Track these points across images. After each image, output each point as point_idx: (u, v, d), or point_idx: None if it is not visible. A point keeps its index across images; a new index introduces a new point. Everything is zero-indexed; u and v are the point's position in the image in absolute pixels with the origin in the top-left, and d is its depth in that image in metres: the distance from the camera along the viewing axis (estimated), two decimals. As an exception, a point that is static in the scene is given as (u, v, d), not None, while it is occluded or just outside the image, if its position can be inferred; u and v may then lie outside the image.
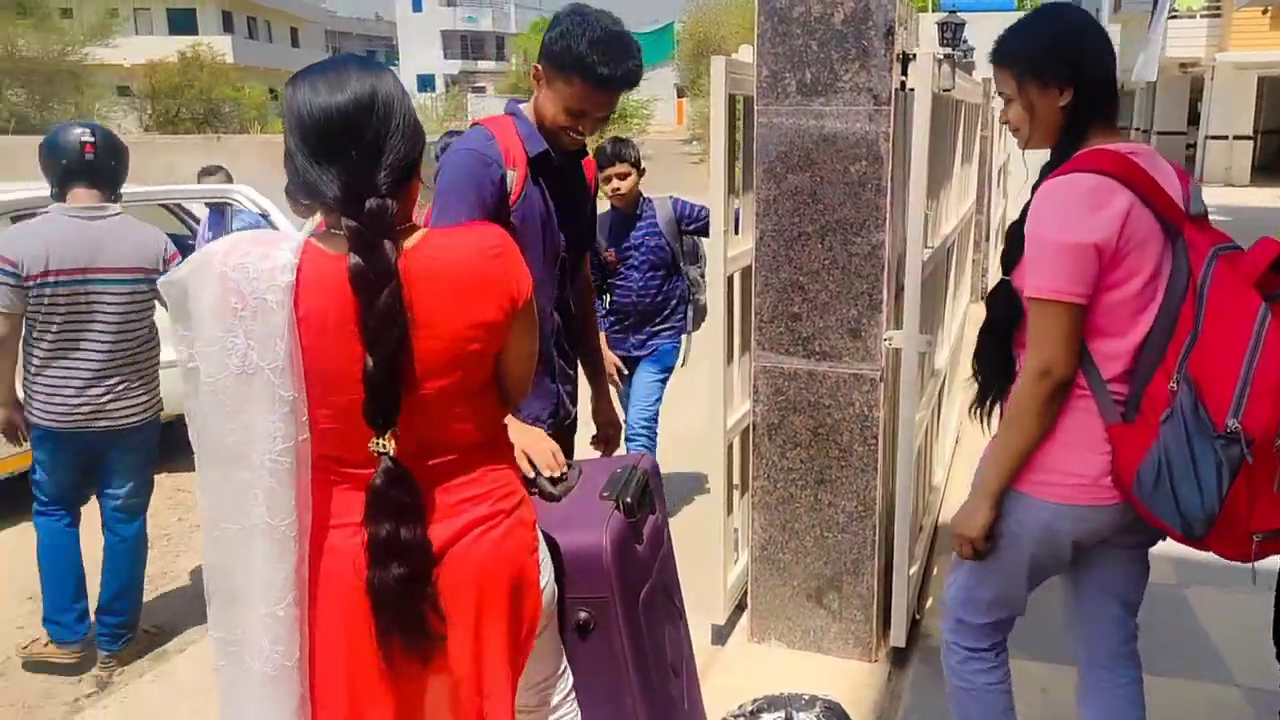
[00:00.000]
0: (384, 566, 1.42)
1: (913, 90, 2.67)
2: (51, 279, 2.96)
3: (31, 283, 2.94)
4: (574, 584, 1.75)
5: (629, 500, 1.89)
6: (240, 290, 1.39)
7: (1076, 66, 1.78)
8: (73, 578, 3.22)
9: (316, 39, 48.50)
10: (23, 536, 4.33)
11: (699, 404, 2.90)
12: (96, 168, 3.09)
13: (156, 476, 5.17)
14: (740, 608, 3.05)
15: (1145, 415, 1.67)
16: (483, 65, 57.90)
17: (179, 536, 4.40)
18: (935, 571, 3.35)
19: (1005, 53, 1.85)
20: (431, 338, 1.44)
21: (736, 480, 3.11)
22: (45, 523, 3.23)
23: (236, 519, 1.43)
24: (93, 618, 3.24)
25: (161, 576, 3.98)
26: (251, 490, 1.40)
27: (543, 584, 1.63)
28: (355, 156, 1.41)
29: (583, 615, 1.74)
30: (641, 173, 3.88)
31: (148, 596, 3.74)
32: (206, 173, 6.58)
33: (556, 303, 2.34)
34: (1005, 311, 1.85)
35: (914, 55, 2.69)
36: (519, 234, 2.15)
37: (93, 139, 3.08)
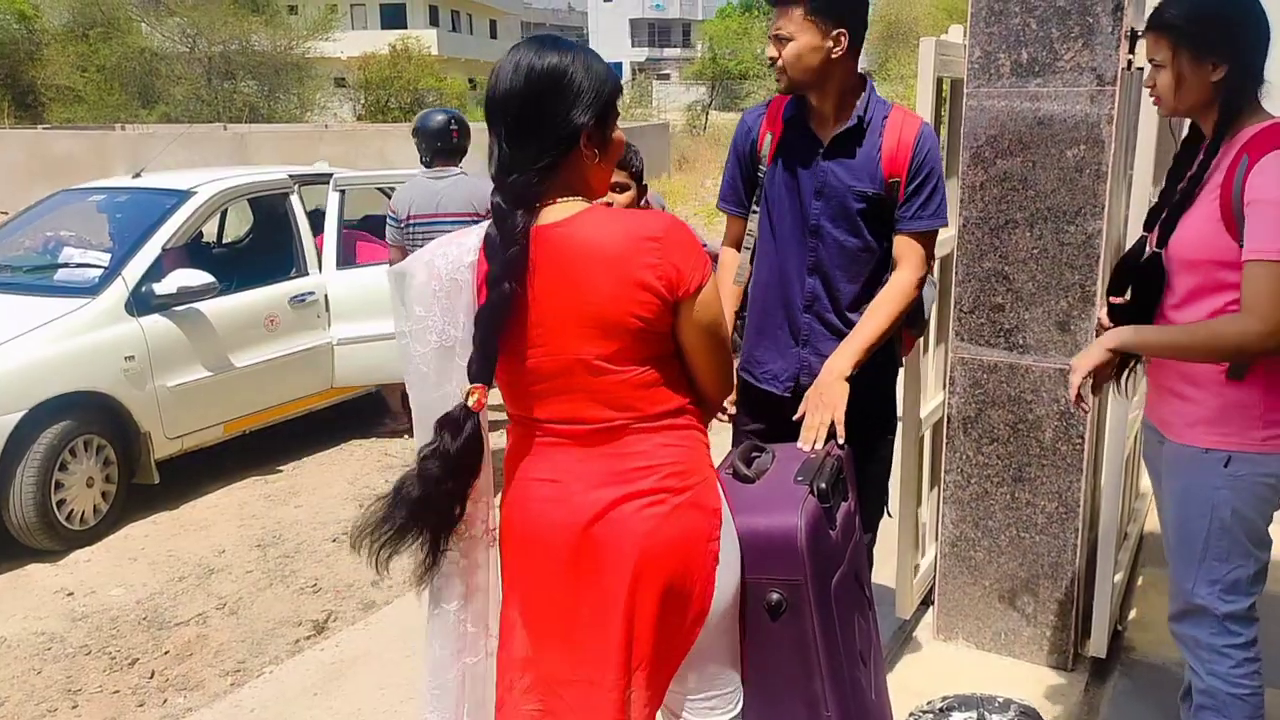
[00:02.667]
0: (426, 465, 1.54)
1: (1140, 69, 2.50)
2: (412, 221, 4.41)
3: (404, 224, 4.44)
4: (767, 565, 1.76)
5: (824, 486, 1.88)
6: (439, 273, 1.55)
7: (1234, 45, 1.82)
8: None
9: (513, 30, 50.33)
10: (251, 490, 4.79)
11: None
12: (457, 145, 4.57)
13: (365, 441, 5.59)
14: (925, 603, 2.98)
15: None
16: (668, 53, 58.43)
17: (384, 497, 4.72)
18: (1140, 582, 3.15)
19: (1165, 20, 1.87)
20: (581, 303, 1.51)
21: (926, 473, 3.03)
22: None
23: None
24: None
25: (369, 533, 4.29)
26: None
27: (719, 578, 1.62)
28: (504, 134, 1.53)
29: (774, 596, 1.74)
30: (643, 190, 2.99)
31: (353, 552, 4.06)
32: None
33: (811, 269, 2.26)
34: (1157, 287, 1.89)
35: (1143, 32, 2.52)
36: (768, 198, 2.29)
37: (456, 126, 4.58)
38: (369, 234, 5.83)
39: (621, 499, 1.57)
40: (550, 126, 1.51)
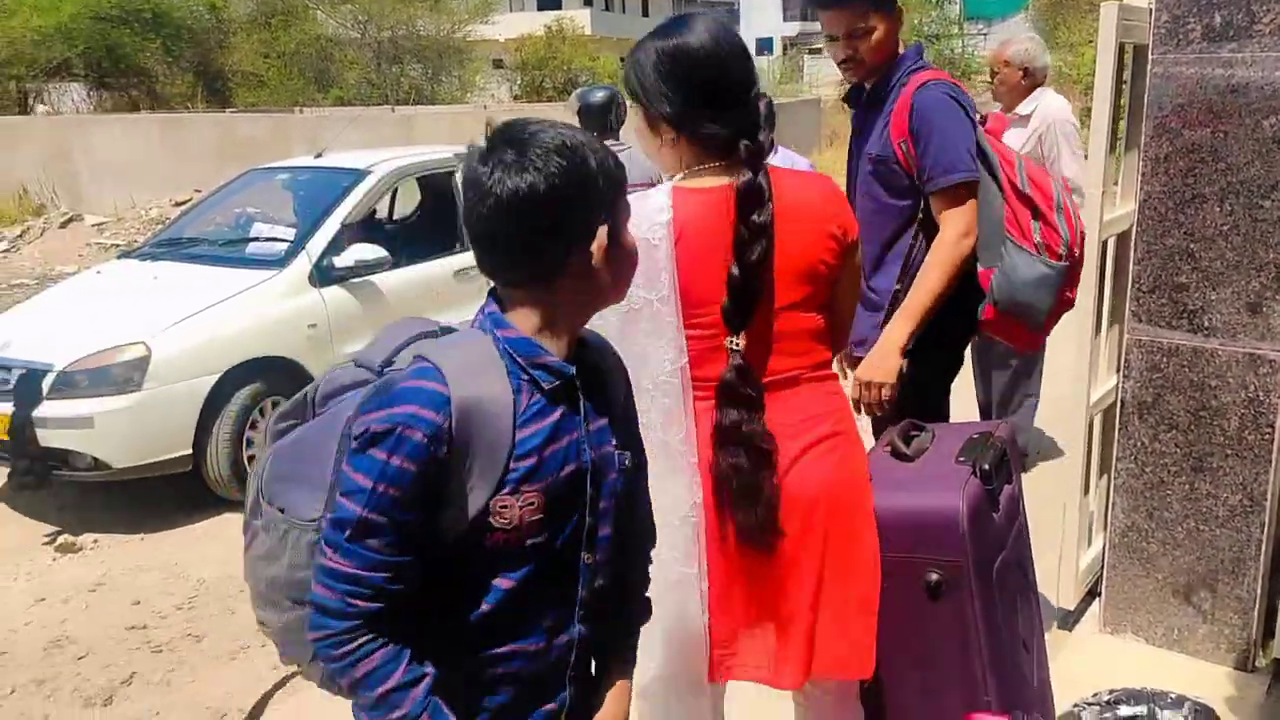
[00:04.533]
0: (729, 453, 1.60)
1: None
2: None
3: None
4: (927, 545, 1.75)
5: (986, 467, 1.84)
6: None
7: None
8: None
9: (664, 8, 50.32)
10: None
11: (1061, 376, 2.73)
12: (619, 119, 4.70)
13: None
14: (1091, 594, 2.86)
15: None
16: (818, 27, 57.03)
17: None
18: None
19: None
20: (785, 255, 1.63)
21: (1096, 461, 2.91)
22: None
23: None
24: None
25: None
26: (646, 414, 1.57)
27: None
28: (745, 97, 1.64)
29: (934, 576, 1.73)
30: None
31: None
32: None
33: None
34: None
35: (1360, -12, 2.31)
36: None
37: (620, 101, 4.67)
38: None
39: (803, 450, 1.66)
40: (754, 95, 1.67)
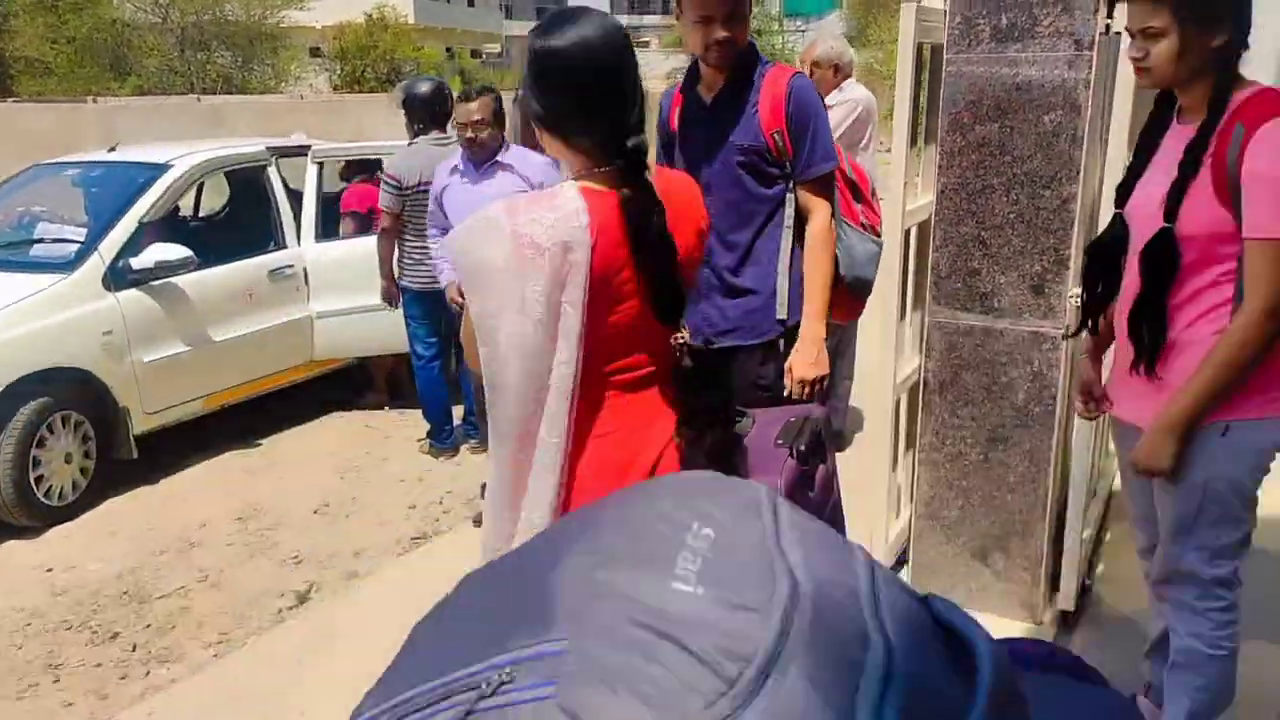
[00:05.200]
0: (704, 432, 1.70)
1: (1118, 34, 2.52)
2: (423, 187, 4.23)
3: (410, 191, 4.31)
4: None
5: (802, 448, 1.91)
6: (536, 241, 1.55)
7: (1238, 10, 1.77)
8: (443, 408, 4.67)
9: (490, -1, 49.72)
10: (232, 463, 4.78)
11: (867, 358, 2.87)
12: (446, 111, 4.44)
13: (346, 414, 5.58)
14: (900, 563, 3.03)
15: None
16: (649, 20, 57.84)
17: (367, 468, 4.73)
18: (1108, 538, 3.22)
19: None
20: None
21: (902, 437, 3.07)
22: (423, 372, 4.59)
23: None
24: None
25: (350, 504, 4.31)
26: (535, 415, 1.62)
27: None
28: (618, 100, 1.61)
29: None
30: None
31: (335, 523, 4.09)
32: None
33: (711, 226, 2.54)
34: (1172, 265, 1.83)
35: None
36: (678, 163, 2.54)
37: (446, 92, 4.53)
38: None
39: (671, 436, 1.72)
40: (637, 95, 1.66)
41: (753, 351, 2.51)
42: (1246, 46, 1.83)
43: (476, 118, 3.87)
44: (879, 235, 2.76)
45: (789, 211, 2.48)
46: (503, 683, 0.48)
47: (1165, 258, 1.82)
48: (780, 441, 1.92)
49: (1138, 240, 1.88)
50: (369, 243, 4.78)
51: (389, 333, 4.86)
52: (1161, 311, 1.85)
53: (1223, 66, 1.79)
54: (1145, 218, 1.86)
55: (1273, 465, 1.91)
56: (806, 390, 2.43)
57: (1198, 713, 1.99)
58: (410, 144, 4.52)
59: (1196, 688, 1.97)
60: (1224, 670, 1.96)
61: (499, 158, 3.95)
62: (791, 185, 2.46)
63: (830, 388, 4.06)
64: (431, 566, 3.44)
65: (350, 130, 12.38)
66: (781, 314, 2.49)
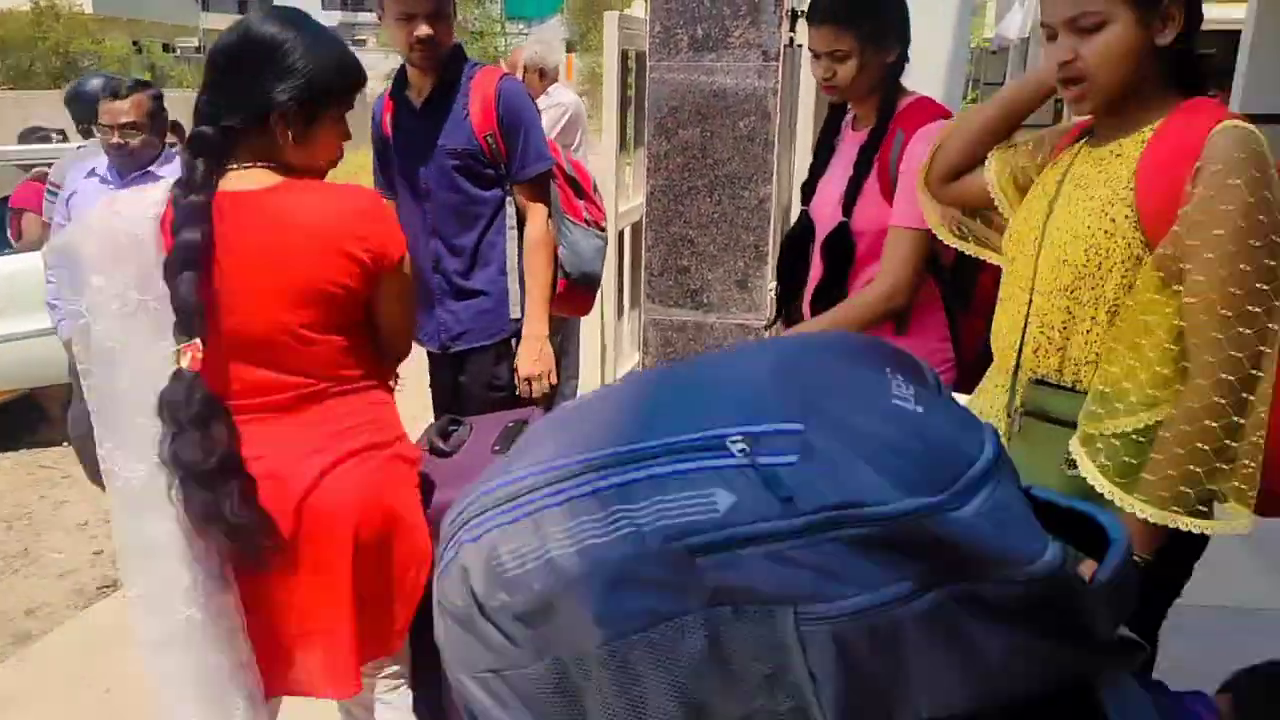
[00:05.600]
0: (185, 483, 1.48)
1: (800, 46, 2.71)
2: None
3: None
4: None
5: (522, 452, 1.89)
6: (115, 234, 1.46)
7: (905, 27, 2.00)
8: None
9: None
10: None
11: (588, 358, 2.92)
12: None
13: (13, 453, 4.92)
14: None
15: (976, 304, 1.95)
16: (363, 17, 55.81)
17: (42, 514, 4.19)
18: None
19: (845, 14, 1.98)
20: (277, 274, 1.51)
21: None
22: None
23: (143, 467, 1.47)
24: None
25: (23, 556, 3.79)
26: (154, 435, 1.44)
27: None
28: (205, 85, 1.53)
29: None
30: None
31: (1, 581, 3.60)
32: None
33: (430, 231, 2.47)
34: (848, 255, 2.02)
35: (802, 11, 2.73)
36: (392, 170, 2.49)
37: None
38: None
39: (333, 464, 1.57)
40: (243, 90, 1.50)
41: (487, 352, 2.52)
42: (908, 60, 2.06)
43: (126, 120, 3.13)
44: (604, 229, 2.85)
45: (510, 212, 2.49)
46: (744, 449, 0.62)
47: (842, 249, 1.99)
48: (498, 448, 1.89)
49: (820, 233, 2.05)
50: (33, 258, 4.20)
51: (62, 359, 4.32)
52: (841, 297, 2.03)
53: (892, 80, 2.02)
54: (826, 213, 2.03)
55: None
56: (532, 387, 2.45)
57: None
58: (79, 147, 4.06)
59: None
60: None
61: (152, 168, 3.20)
62: (509, 187, 2.47)
63: (556, 389, 4.13)
64: (120, 617, 3.09)
65: (12, 131, 10.93)
66: (514, 313, 2.53)
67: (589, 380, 2.93)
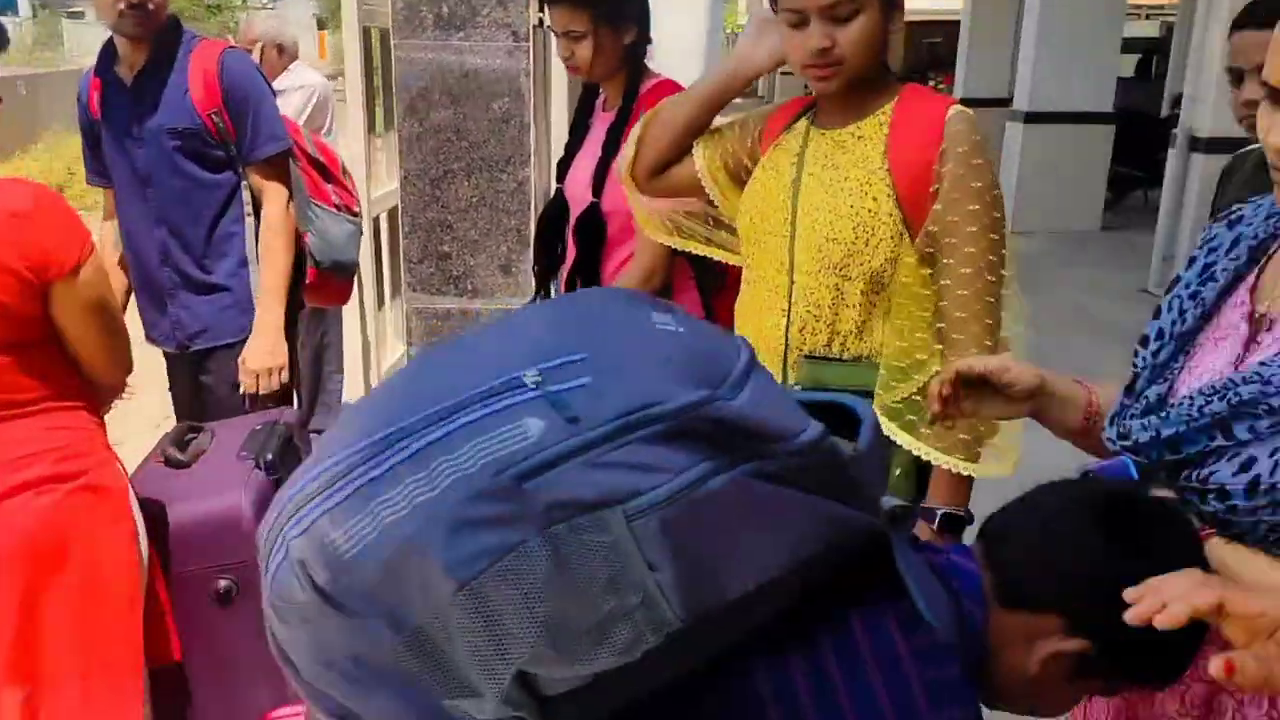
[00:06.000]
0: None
1: (551, 28, 2.70)
2: None
3: None
4: (211, 552, 1.63)
5: (270, 458, 1.78)
6: None
7: (642, 9, 2.01)
8: None
9: None
10: None
11: (351, 351, 2.80)
12: None
13: None
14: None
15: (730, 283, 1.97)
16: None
17: None
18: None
19: None
20: None
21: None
22: None
23: None
24: None
25: None
26: None
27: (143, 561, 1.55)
28: None
29: (223, 583, 1.63)
30: None
31: None
32: None
33: (156, 219, 2.28)
34: (600, 235, 2.03)
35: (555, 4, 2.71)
36: (105, 156, 2.28)
37: None
38: None
39: (3, 495, 1.39)
40: None
41: (232, 350, 2.33)
42: (649, 42, 2.08)
43: None
44: (356, 214, 2.73)
45: (246, 197, 2.33)
46: (539, 381, 0.71)
47: (593, 230, 2.01)
48: (245, 454, 1.78)
49: (575, 212, 2.06)
50: None
51: None
52: (594, 276, 2.05)
53: (633, 62, 2.02)
54: (579, 193, 2.04)
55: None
56: (259, 383, 2.28)
57: None
58: None
59: None
60: None
61: None
62: (242, 169, 2.31)
63: (318, 384, 3.94)
64: None
65: None
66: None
67: (353, 374, 2.81)
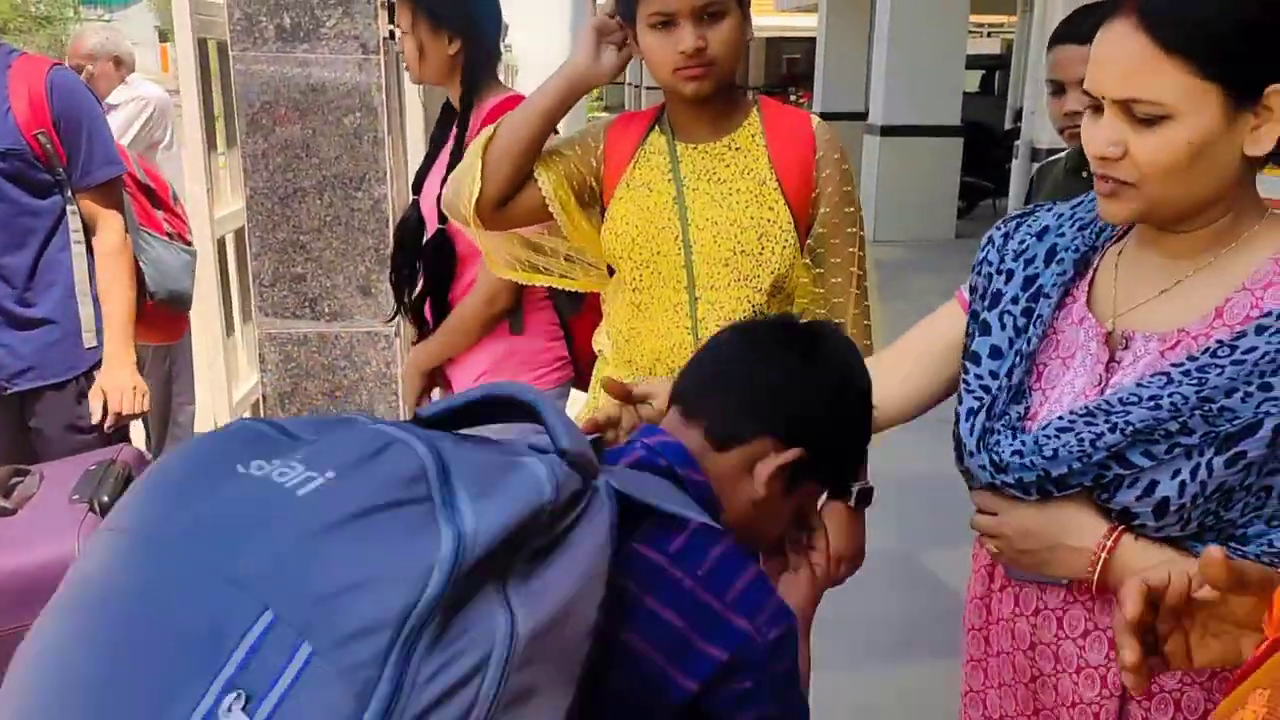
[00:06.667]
0: None
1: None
2: None
3: None
4: (38, 606, 1.48)
5: (105, 499, 1.65)
6: None
7: (468, 19, 1.91)
8: None
9: None
10: None
11: (200, 380, 2.64)
12: None
13: None
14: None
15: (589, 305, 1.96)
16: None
17: None
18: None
19: None
20: None
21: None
22: None
23: None
24: None
25: None
26: None
27: None
28: None
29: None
30: None
31: None
32: None
33: None
34: (448, 261, 1.95)
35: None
36: None
37: None
38: None
39: None
40: None
41: (63, 390, 2.16)
42: (495, 54, 2.01)
43: None
44: (189, 243, 2.58)
45: (75, 224, 2.16)
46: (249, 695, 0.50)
47: (443, 255, 1.95)
48: (77, 498, 1.63)
49: (431, 226, 1.98)
50: None
51: None
52: (443, 301, 1.98)
53: (467, 72, 1.93)
54: (431, 209, 1.96)
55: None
56: (131, 408, 2.18)
57: None
58: None
59: None
60: None
61: None
62: (72, 194, 2.14)
63: (168, 415, 3.72)
64: None
65: None
66: (90, 341, 2.19)
67: (205, 405, 2.65)
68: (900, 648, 2.74)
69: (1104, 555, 0.95)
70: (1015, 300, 1.05)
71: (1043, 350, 1.04)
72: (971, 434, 1.03)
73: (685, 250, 1.47)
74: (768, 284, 1.46)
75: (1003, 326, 1.05)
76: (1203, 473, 0.89)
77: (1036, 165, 2.27)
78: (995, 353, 1.04)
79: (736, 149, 1.49)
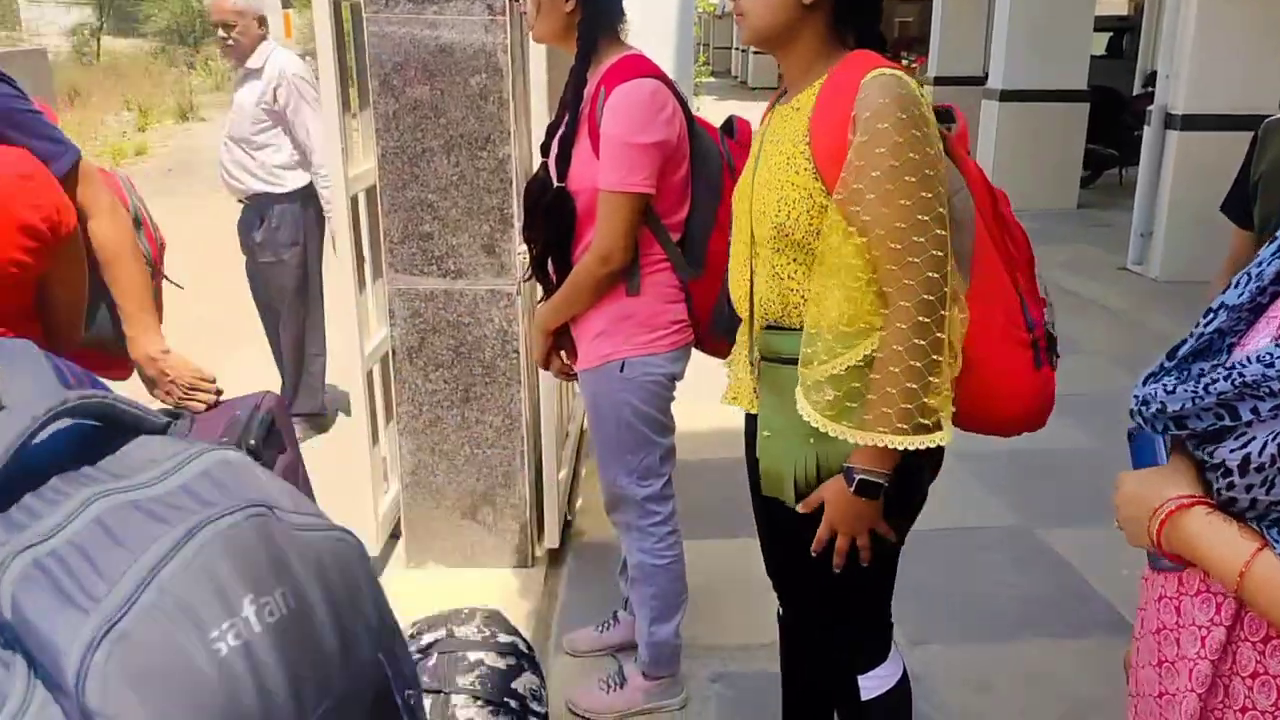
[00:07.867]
0: None
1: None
2: None
3: None
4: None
5: (252, 442, 1.74)
6: None
7: None
8: None
9: None
10: None
11: (334, 334, 2.75)
12: None
13: None
14: (395, 536, 2.99)
15: (711, 268, 2.00)
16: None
17: None
18: (584, 474, 3.50)
19: None
20: None
21: (380, 408, 3.02)
22: None
23: None
24: None
25: None
26: None
27: None
28: None
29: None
30: None
31: None
32: None
33: None
34: (569, 219, 2.00)
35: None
36: None
37: None
38: None
39: None
40: None
41: None
42: (613, 15, 2.01)
43: None
44: (159, 268, 2.29)
45: None
46: None
47: (560, 213, 1.99)
48: (226, 439, 1.74)
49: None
50: None
51: None
52: (566, 257, 2.02)
53: (586, 34, 1.95)
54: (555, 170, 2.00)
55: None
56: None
57: (658, 617, 2.23)
58: None
59: (652, 595, 2.21)
60: (671, 576, 2.22)
61: None
62: None
63: (301, 367, 3.88)
64: None
65: None
66: None
67: (337, 357, 2.77)
68: (1018, 625, 2.69)
69: (1161, 521, 0.98)
70: (1260, 263, 1.03)
71: (1270, 308, 1.01)
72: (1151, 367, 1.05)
73: (750, 208, 1.54)
74: (786, 247, 1.46)
75: (1235, 285, 1.03)
76: None
77: (1263, 122, 2.20)
78: (1220, 307, 1.04)
79: (797, 109, 1.48)
